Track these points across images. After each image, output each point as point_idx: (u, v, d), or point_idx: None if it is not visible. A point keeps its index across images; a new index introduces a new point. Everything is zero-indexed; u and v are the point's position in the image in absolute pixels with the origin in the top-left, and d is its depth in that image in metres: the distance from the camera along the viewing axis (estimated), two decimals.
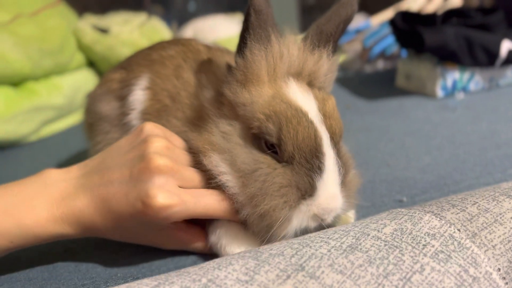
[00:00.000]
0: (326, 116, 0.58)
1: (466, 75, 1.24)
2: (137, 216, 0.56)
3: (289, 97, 0.58)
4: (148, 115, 0.68)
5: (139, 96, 0.70)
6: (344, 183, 0.59)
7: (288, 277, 0.49)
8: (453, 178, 0.80)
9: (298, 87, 0.59)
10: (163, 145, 0.58)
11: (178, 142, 0.62)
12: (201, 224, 0.64)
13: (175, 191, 0.55)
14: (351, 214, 0.68)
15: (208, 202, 0.57)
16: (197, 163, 0.60)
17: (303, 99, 0.58)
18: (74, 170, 0.62)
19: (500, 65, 1.22)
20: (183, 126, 0.65)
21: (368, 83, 1.50)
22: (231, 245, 0.60)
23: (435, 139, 0.97)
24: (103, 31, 1.40)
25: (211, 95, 0.64)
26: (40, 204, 0.57)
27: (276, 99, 0.57)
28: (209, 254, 0.62)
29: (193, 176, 0.59)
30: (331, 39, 0.62)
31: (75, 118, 1.30)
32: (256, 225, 0.57)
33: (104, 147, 0.72)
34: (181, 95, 0.67)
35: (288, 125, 0.55)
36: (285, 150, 0.56)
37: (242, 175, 0.56)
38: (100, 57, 1.39)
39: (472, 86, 1.26)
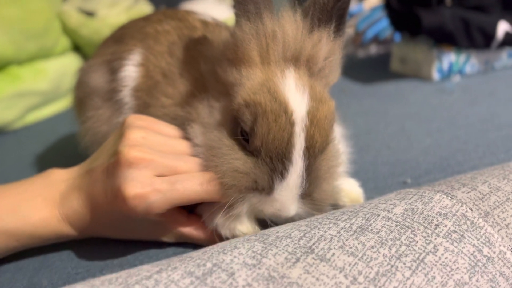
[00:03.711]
0: (312, 123, 0.53)
1: (462, 57, 1.23)
2: (117, 212, 0.54)
3: (279, 88, 0.53)
4: (140, 92, 0.66)
5: (131, 72, 0.67)
6: (309, 195, 0.55)
7: (298, 260, 0.47)
8: (456, 159, 0.78)
9: (295, 80, 0.54)
10: (139, 135, 0.56)
11: (166, 129, 0.60)
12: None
13: (148, 181, 0.53)
14: (360, 193, 0.65)
15: (187, 187, 0.54)
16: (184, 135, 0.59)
17: (295, 95, 0.53)
18: (75, 170, 0.61)
19: (496, 47, 1.21)
20: (173, 103, 0.62)
21: (362, 67, 1.47)
22: (240, 222, 0.56)
23: (434, 122, 0.96)
24: (89, 14, 1.35)
25: (207, 68, 0.61)
26: (43, 204, 0.57)
27: (263, 87, 0.53)
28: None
29: (178, 162, 0.56)
30: (333, 16, 0.56)
31: (61, 104, 1.26)
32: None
33: (95, 123, 0.69)
34: (173, 72, 0.64)
35: (263, 119, 0.52)
36: (253, 142, 0.53)
37: (208, 149, 0.55)
38: (86, 41, 1.34)
39: (468, 69, 1.25)
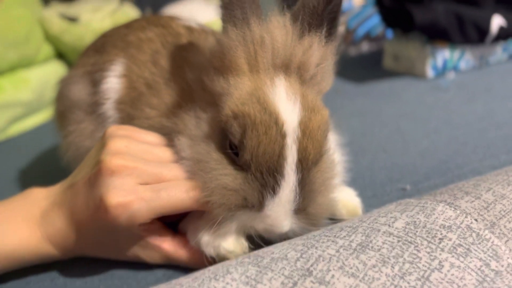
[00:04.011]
0: (305, 134, 0.51)
1: (457, 53, 1.20)
2: (100, 224, 0.53)
3: (268, 98, 0.51)
4: (124, 104, 0.64)
5: (114, 84, 0.64)
6: (303, 210, 0.53)
7: (295, 284, 0.44)
8: (455, 162, 0.76)
9: (286, 88, 0.52)
10: (121, 144, 0.55)
11: (149, 137, 0.59)
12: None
13: (131, 189, 0.52)
14: (358, 204, 0.62)
15: (172, 194, 0.52)
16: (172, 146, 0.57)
17: (286, 105, 0.51)
18: (56, 187, 0.60)
19: (491, 42, 1.18)
20: (158, 114, 0.60)
21: (354, 66, 1.45)
22: (225, 239, 0.54)
23: (431, 122, 0.93)
24: (72, 19, 1.32)
25: (194, 76, 0.59)
26: (23, 224, 0.55)
27: (252, 97, 0.51)
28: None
29: (162, 170, 0.54)
30: (324, 19, 0.54)
31: (45, 115, 1.22)
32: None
33: (77, 138, 0.68)
34: (158, 82, 0.62)
35: (253, 132, 0.49)
36: (242, 156, 0.50)
37: (196, 162, 0.53)
38: (70, 48, 1.31)
39: (462, 65, 1.23)
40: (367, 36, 1.59)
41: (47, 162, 0.95)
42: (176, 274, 0.55)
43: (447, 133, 0.87)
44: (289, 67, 0.53)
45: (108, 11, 1.36)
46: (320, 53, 0.54)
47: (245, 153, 0.50)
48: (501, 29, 1.15)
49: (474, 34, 1.13)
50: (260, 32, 0.52)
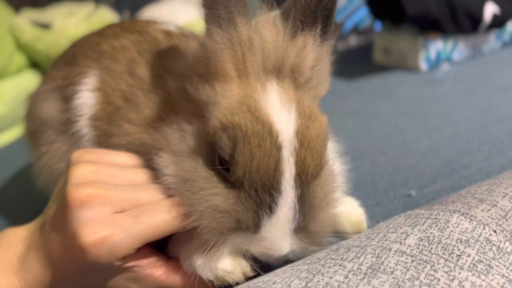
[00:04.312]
0: (303, 145, 0.46)
1: (450, 44, 1.16)
2: (79, 264, 0.47)
3: (260, 106, 0.46)
4: (99, 121, 0.58)
5: (87, 99, 0.59)
6: (304, 229, 0.48)
7: None
8: (461, 161, 0.71)
9: (279, 94, 0.47)
10: (87, 171, 0.50)
11: (119, 158, 0.54)
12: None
13: (106, 220, 0.47)
14: (362, 216, 0.58)
15: (154, 217, 0.47)
16: (151, 165, 0.52)
17: (280, 113, 0.46)
18: (31, 225, 0.54)
19: (484, 30, 1.14)
20: (138, 130, 0.55)
21: (343, 61, 1.40)
22: (221, 261, 0.48)
23: (430, 118, 0.89)
24: (45, 26, 1.27)
25: (175, 86, 0.54)
26: (0, 273, 0.50)
27: (242, 106, 0.46)
28: None
29: (138, 193, 0.50)
30: (318, 17, 0.49)
31: (20, 130, 1.15)
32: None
33: (50, 160, 0.62)
34: (136, 94, 0.57)
35: (245, 145, 0.45)
36: (234, 172, 0.45)
37: (181, 181, 0.48)
38: (44, 56, 1.25)
39: (456, 56, 1.19)
40: (355, 30, 1.55)
41: (21, 182, 0.89)
42: None
43: (448, 129, 0.83)
44: (281, 71, 0.49)
45: (82, 16, 1.31)
46: (315, 54, 0.49)
47: (236, 169, 0.45)
48: (495, 16, 1.12)
49: (467, 23, 1.10)
50: (248, 33, 0.47)
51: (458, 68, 1.16)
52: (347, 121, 0.94)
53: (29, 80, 1.23)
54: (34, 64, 1.31)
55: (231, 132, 0.45)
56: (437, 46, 1.15)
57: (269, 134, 0.45)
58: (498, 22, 1.13)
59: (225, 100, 0.47)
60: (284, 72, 0.49)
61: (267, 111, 0.46)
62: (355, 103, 1.05)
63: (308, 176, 0.47)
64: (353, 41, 1.57)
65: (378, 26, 1.41)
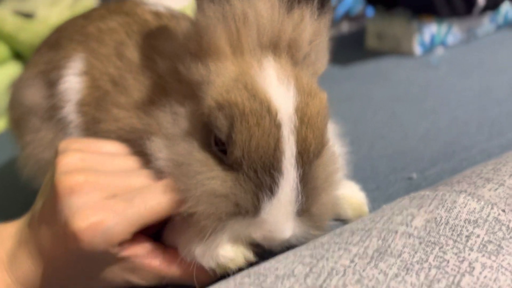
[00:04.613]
0: (303, 122, 0.44)
1: (444, 27, 1.15)
2: (72, 255, 0.46)
3: (257, 83, 0.44)
4: (87, 106, 0.56)
5: (73, 83, 0.56)
6: (307, 211, 0.47)
7: None
8: (461, 143, 0.70)
9: (276, 70, 0.46)
10: (76, 158, 0.49)
11: (107, 147, 0.53)
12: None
13: (99, 205, 0.45)
14: (363, 200, 0.56)
15: (148, 199, 0.46)
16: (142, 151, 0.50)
17: (278, 89, 0.44)
18: (21, 221, 0.52)
19: (478, 13, 1.13)
20: (128, 115, 0.53)
21: (335, 47, 1.37)
22: (221, 247, 0.46)
23: (426, 102, 0.88)
24: (27, 15, 1.24)
25: (166, 67, 0.51)
26: None
27: (238, 83, 0.44)
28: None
29: (129, 178, 0.48)
30: None
31: (4, 123, 1.11)
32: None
33: (35, 149, 0.59)
34: (125, 77, 0.54)
35: (242, 123, 0.43)
36: (232, 152, 0.43)
37: (176, 166, 0.46)
38: (27, 47, 1.21)
39: (450, 40, 1.18)
40: (347, 16, 1.53)
41: (6, 176, 0.85)
42: None
43: (446, 113, 0.82)
44: (278, 46, 0.47)
45: (66, 4, 1.28)
46: (312, 28, 0.47)
47: (234, 149, 0.43)
48: None
49: (461, 6, 1.09)
50: (242, 6, 0.45)
51: (452, 52, 1.15)
52: (342, 107, 0.92)
53: (12, 72, 1.19)
54: (17, 55, 1.27)
55: (228, 110, 0.43)
56: (431, 29, 1.14)
57: (268, 111, 0.43)
58: (492, 4, 1.12)
59: (220, 78, 0.45)
60: (281, 47, 0.47)
61: (265, 88, 0.44)
62: (350, 89, 1.03)
63: (310, 154, 0.45)
64: (345, 27, 1.55)
65: (370, 11, 1.39)
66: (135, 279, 0.49)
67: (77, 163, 0.48)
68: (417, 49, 1.15)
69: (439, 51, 1.16)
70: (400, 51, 1.19)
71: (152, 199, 0.45)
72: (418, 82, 1.00)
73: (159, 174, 0.48)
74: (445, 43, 1.18)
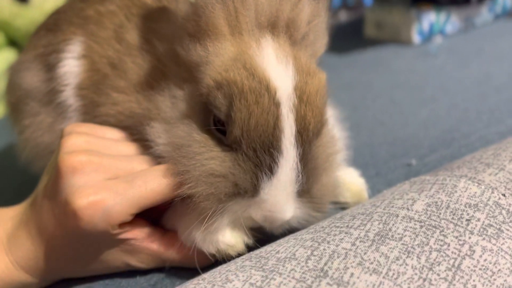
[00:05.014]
0: (302, 101, 0.44)
1: (443, 16, 1.15)
2: (72, 234, 0.46)
3: (256, 62, 0.44)
4: (86, 90, 0.56)
5: (72, 67, 0.56)
6: (307, 192, 0.47)
7: None
8: (460, 130, 0.70)
9: (275, 50, 0.46)
10: (81, 140, 0.49)
11: (110, 133, 0.53)
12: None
13: (100, 185, 0.46)
14: (363, 185, 0.56)
15: (149, 180, 0.46)
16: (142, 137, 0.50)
17: (276, 68, 0.45)
18: (22, 205, 0.53)
19: (477, 1, 1.13)
20: (126, 99, 0.53)
21: (334, 36, 1.36)
22: (221, 233, 0.46)
23: (426, 90, 0.88)
24: (23, 1, 1.21)
25: (165, 50, 0.51)
26: None
27: (237, 63, 0.44)
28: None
29: (132, 163, 0.49)
30: None
31: (1, 110, 1.10)
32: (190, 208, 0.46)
33: (34, 133, 0.59)
34: (124, 61, 0.54)
35: (241, 102, 0.43)
36: (231, 132, 0.44)
37: (175, 148, 0.46)
38: (23, 34, 1.19)
39: (448, 28, 1.18)
40: (344, 5, 1.52)
41: (5, 162, 0.85)
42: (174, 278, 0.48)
43: (445, 100, 0.82)
44: (276, 26, 0.47)
45: None
46: (310, 9, 0.48)
47: (234, 128, 0.43)
48: None
49: None
50: None
51: (451, 41, 1.15)
52: (341, 95, 0.92)
53: (8, 60, 1.18)
54: (13, 42, 1.25)
55: (227, 89, 0.43)
56: (430, 18, 1.13)
57: (267, 90, 0.43)
58: None
59: (219, 58, 0.45)
60: (279, 27, 0.47)
61: (263, 67, 0.44)
62: (349, 77, 1.02)
63: (309, 133, 0.45)
64: (343, 17, 1.54)
65: (368, 1, 1.39)
66: (134, 262, 0.49)
67: (82, 145, 0.48)
68: (416, 38, 1.15)
69: (438, 40, 1.16)
70: (398, 40, 1.18)
71: (153, 181, 0.46)
72: (417, 70, 0.99)
73: (159, 160, 0.48)
74: (443, 32, 1.18)
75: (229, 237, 0.47)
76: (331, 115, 0.58)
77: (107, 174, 0.47)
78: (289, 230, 0.48)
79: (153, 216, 0.50)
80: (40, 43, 0.60)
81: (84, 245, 0.47)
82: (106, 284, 0.50)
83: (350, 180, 0.57)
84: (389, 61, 1.08)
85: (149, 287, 0.48)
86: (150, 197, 0.46)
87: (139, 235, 0.48)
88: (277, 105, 0.43)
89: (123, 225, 0.46)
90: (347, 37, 1.33)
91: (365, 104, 0.87)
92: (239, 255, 0.46)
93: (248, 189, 0.44)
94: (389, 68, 1.04)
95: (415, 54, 1.10)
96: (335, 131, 0.55)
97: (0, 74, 1.08)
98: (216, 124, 0.45)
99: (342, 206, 0.56)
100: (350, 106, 0.87)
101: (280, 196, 0.44)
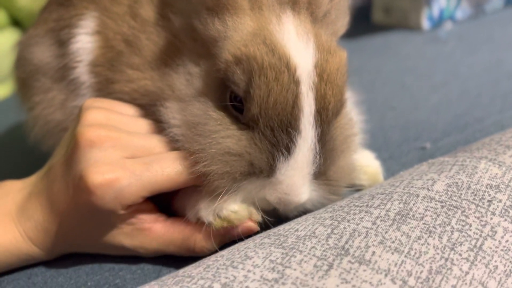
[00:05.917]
0: (322, 79, 0.43)
1: (453, 2, 1.14)
2: (82, 208, 0.46)
3: (276, 38, 0.43)
4: (100, 67, 0.54)
5: (85, 43, 0.55)
6: (324, 174, 0.46)
7: (331, 266, 0.37)
8: (473, 115, 0.69)
9: (295, 27, 0.45)
10: (101, 115, 0.49)
11: (131, 110, 0.53)
12: None
13: (116, 163, 0.45)
14: (378, 168, 0.55)
15: (166, 166, 0.45)
16: (155, 118, 0.50)
17: (297, 45, 0.44)
18: (33, 177, 0.53)
19: None
20: (141, 77, 0.52)
21: None
22: (227, 203, 0.45)
23: (436, 75, 0.87)
24: None
25: (181, 25, 0.50)
26: None
27: (257, 38, 0.43)
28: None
29: (151, 141, 0.48)
30: None
31: (3, 91, 1.09)
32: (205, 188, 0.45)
33: (45, 110, 0.58)
34: (139, 37, 0.53)
35: (261, 78, 0.42)
36: (249, 109, 0.43)
37: (191, 127, 0.45)
38: (26, 13, 1.17)
39: (459, 14, 1.16)
40: None
41: (9, 144, 0.84)
42: (179, 264, 0.47)
43: (457, 86, 0.81)
44: (297, 2, 0.46)
45: None
46: None
47: (252, 106, 0.42)
48: None
49: None
50: None
51: (461, 27, 1.13)
52: (350, 79, 0.91)
53: (11, 40, 1.16)
54: (16, 22, 1.22)
55: (246, 64, 0.42)
56: (440, 3, 1.12)
57: (287, 67, 0.42)
58: None
59: (238, 33, 0.44)
60: (301, 3, 0.46)
61: (284, 44, 0.43)
62: (357, 62, 1.01)
63: (329, 113, 0.44)
64: (350, 1, 1.52)
65: None
66: (132, 246, 0.49)
67: (102, 119, 0.48)
68: (425, 24, 1.13)
69: (448, 26, 1.14)
70: (407, 25, 1.17)
71: (170, 167, 0.45)
72: (427, 56, 0.98)
73: (173, 142, 0.47)
74: (453, 18, 1.16)
75: (234, 205, 0.45)
76: (349, 97, 0.57)
77: (125, 152, 0.46)
78: (303, 212, 0.47)
79: (161, 200, 0.50)
80: (51, 18, 0.59)
81: (91, 222, 0.47)
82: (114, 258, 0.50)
83: (365, 163, 0.56)
84: (398, 46, 1.07)
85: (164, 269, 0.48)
86: (165, 183, 0.45)
87: (145, 218, 0.48)
88: (296, 83, 0.42)
89: (131, 206, 0.46)
90: (355, 22, 1.30)
91: (375, 88, 0.86)
92: (241, 239, 0.45)
93: (263, 169, 0.43)
94: (398, 53, 1.03)
95: (424, 40, 1.08)
96: (353, 113, 0.54)
97: (4, 54, 1.06)
98: (232, 101, 0.44)
99: (357, 189, 0.55)
100: (360, 90, 0.86)
101: (296, 178, 0.44)
